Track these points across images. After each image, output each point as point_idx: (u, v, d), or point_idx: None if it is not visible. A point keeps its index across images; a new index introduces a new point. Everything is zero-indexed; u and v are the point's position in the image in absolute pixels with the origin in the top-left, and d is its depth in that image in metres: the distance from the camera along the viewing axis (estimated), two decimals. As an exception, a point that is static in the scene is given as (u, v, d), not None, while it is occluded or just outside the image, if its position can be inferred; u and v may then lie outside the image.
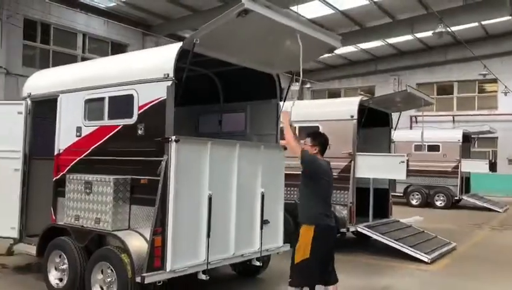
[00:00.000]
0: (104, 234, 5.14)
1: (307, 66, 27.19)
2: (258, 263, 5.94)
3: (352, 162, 8.73)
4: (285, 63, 6.09)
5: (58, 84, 6.30)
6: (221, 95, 7.14)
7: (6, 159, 6.61)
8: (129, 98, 5.33)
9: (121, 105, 5.43)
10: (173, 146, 4.84)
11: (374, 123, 10.40)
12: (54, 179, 6.06)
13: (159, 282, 4.78)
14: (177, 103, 7.58)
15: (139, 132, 5.22)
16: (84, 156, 5.79)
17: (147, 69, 5.24)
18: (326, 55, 24.66)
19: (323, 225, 4.72)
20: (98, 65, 6.41)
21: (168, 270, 4.76)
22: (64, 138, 6.05)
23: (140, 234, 5.00)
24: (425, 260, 7.98)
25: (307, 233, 4.69)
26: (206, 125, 7.28)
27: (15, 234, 6.49)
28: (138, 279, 4.64)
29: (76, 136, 5.89)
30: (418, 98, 9.18)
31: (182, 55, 5.03)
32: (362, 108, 9.44)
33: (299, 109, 9.95)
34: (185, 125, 7.39)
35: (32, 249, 6.01)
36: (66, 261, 5.44)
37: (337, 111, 9.16)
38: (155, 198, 4.83)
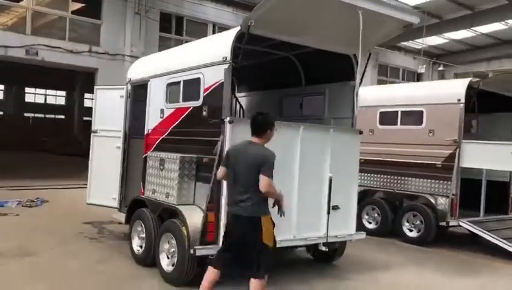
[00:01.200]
0: (171, 207, 5.53)
1: (447, 46, 25.39)
2: (324, 248, 5.84)
3: (458, 150, 7.95)
4: (364, 42, 5.76)
5: (149, 70, 6.89)
6: (302, 77, 7.08)
7: (111, 138, 7.46)
8: (197, 82, 5.62)
9: (192, 88, 5.75)
10: (228, 127, 5.01)
11: (495, 108, 9.36)
12: (143, 156, 6.67)
13: (212, 256, 5.02)
14: (260, 86, 7.83)
15: (204, 113, 5.48)
16: (166, 136, 6.27)
17: (211, 53, 5.46)
18: (468, 34, 22.45)
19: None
20: (178, 51, 6.84)
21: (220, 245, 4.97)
22: (151, 119, 6.61)
23: (202, 210, 5.28)
24: (537, 263, 6.98)
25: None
26: (289, 108, 7.31)
27: (115, 204, 7.33)
28: (191, 251, 4.94)
29: (160, 117, 6.40)
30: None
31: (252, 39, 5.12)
32: (479, 91, 8.53)
33: (402, 92, 9.49)
34: (269, 109, 7.51)
35: (123, 218, 6.72)
36: (144, 230, 6.00)
37: (443, 94, 8.38)
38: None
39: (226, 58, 5.11)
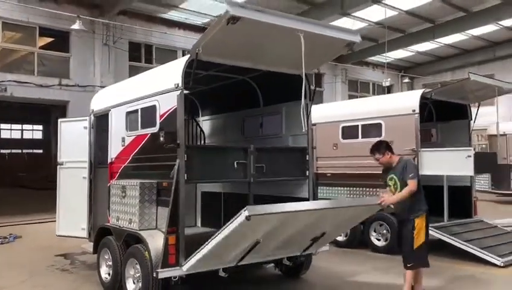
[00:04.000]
0: (134, 233, 5.65)
1: (413, 59, 26.17)
2: (288, 263, 6.01)
3: (416, 158, 8.25)
4: (308, 62, 6.04)
5: (110, 100, 7.07)
6: (260, 98, 7.33)
7: (77, 168, 7.57)
8: (153, 109, 5.82)
9: (149, 115, 5.93)
10: (182, 151, 5.20)
11: (452, 116, 9.74)
12: (108, 185, 6.79)
13: (175, 277, 5.15)
14: (223, 109, 8.06)
15: (161, 138, 5.66)
16: (128, 163, 6.42)
17: (164, 81, 5.67)
18: (432, 46, 23.16)
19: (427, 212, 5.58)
20: (135, 81, 7.04)
21: (182, 267, 5.10)
22: (114, 147, 6.76)
23: (164, 233, 5.41)
24: (497, 263, 7.25)
25: (421, 221, 5.45)
26: (250, 128, 7.52)
27: (85, 234, 7.41)
28: (154, 274, 5.06)
29: (122, 145, 6.56)
30: (488, 86, 8.32)
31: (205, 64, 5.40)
32: (435, 101, 8.90)
33: (361, 106, 9.83)
34: (232, 130, 7.76)
35: (91, 248, 6.80)
36: (111, 257, 6.09)
37: (398, 106, 8.74)
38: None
39: (178, 84, 5.32)
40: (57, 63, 16.28)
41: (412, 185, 5.40)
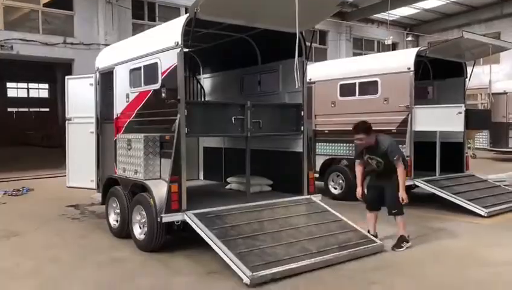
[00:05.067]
0: (139, 182, 6.09)
1: (419, 16, 25.91)
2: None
3: (410, 115, 8.55)
4: (302, 20, 6.27)
5: (114, 58, 7.38)
6: (258, 56, 7.59)
7: (84, 124, 7.96)
8: (155, 66, 6.14)
9: (151, 72, 6.25)
10: (183, 106, 5.55)
11: (448, 74, 9.96)
12: (114, 139, 7.18)
13: (177, 222, 5.62)
14: (222, 67, 8.35)
15: (163, 94, 6.00)
16: (132, 118, 6.80)
17: (165, 39, 5.95)
18: (438, 3, 22.84)
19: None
20: (137, 39, 7.31)
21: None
22: (119, 103, 7.12)
23: (167, 182, 5.84)
24: (481, 213, 7.68)
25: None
26: (248, 86, 7.84)
27: (93, 185, 7.88)
28: (159, 219, 5.53)
29: (126, 101, 6.92)
30: (483, 44, 8.50)
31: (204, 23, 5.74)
32: (432, 59, 9.13)
33: (358, 64, 10.05)
34: (232, 87, 8.07)
35: (100, 198, 7.28)
36: (118, 205, 6.56)
37: (394, 64, 8.96)
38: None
39: (178, 42, 5.60)
40: (61, 21, 16.43)
41: (401, 167, 5.89)
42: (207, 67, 8.88)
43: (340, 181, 9.67)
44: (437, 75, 10.25)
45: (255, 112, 6.25)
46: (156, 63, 6.10)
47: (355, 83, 9.51)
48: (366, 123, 6.04)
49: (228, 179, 7.63)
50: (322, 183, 9.74)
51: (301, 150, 6.76)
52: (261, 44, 7.43)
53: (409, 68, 8.59)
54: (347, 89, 9.66)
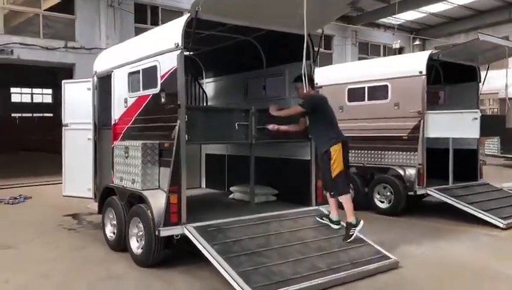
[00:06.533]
0: (137, 193, 5.72)
1: (425, 20, 25.55)
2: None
3: (422, 121, 8.17)
4: (310, 21, 5.92)
5: (112, 61, 7.03)
6: (263, 59, 7.24)
7: (82, 130, 7.62)
8: (154, 69, 5.78)
9: (150, 76, 5.89)
10: (183, 112, 5.19)
11: (460, 79, 9.57)
12: (112, 146, 6.83)
13: (177, 236, 5.25)
14: (226, 71, 8.00)
15: (162, 99, 5.64)
16: (131, 125, 6.44)
17: (164, 40, 5.60)
18: (445, 7, 22.48)
19: (345, 138, 5.90)
20: (136, 41, 6.97)
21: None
22: (117, 109, 6.76)
23: (166, 193, 5.47)
24: (499, 224, 7.27)
25: (336, 151, 5.71)
26: (253, 90, 7.48)
27: (90, 194, 7.52)
28: (157, 233, 5.15)
29: (124, 106, 6.56)
30: (498, 46, 8.11)
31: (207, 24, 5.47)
32: (443, 63, 8.76)
33: (367, 68, 9.68)
34: (236, 92, 7.72)
35: (97, 208, 6.92)
36: (115, 217, 6.20)
37: (405, 67, 8.58)
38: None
39: (178, 44, 5.25)
40: (63, 25, 16.15)
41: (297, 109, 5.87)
42: (210, 71, 8.54)
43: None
44: (448, 79, 9.87)
45: (259, 117, 5.89)
46: (155, 66, 5.75)
47: (364, 87, 9.14)
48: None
49: (231, 188, 7.26)
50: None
51: (309, 158, 6.38)
52: (267, 46, 7.08)
53: (421, 72, 8.21)
54: (356, 94, 9.29)
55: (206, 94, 8.39)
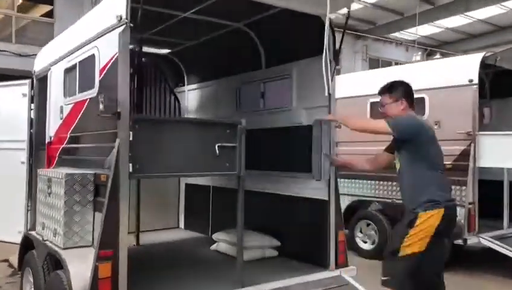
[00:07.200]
0: (55, 252, 3.65)
1: (440, 37, 23.72)
2: None
3: (473, 145, 6.14)
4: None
5: (51, 55, 5.04)
6: (262, 56, 5.23)
7: (13, 150, 5.62)
8: (92, 61, 3.78)
9: (88, 72, 3.89)
10: (124, 125, 3.16)
11: (510, 91, 7.55)
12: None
13: (110, 331, 3.16)
14: (213, 74, 6.01)
15: (101, 106, 3.60)
16: (65, 144, 4.42)
17: (104, 15, 3.60)
18: (463, 21, 20.64)
19: (451, 206, 3.52)
20: (77, 24, 4.95)
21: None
22: (52, 121, 4.75)
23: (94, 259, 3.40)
24: None
25: (429, 221, 3.37)
26: (248, 100, 5.46)
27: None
28: (75, 327, 3.07)
29: (60, 118, 4.54)
30: None
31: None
32: (488, 72, 6.77)
33: (397, 76, 7.64)
34: (224, 102, 5.74)
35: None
36: (33, 283, 4.12)
37: (449, 74, 6.56)
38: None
39: (121, 17, 3.25)
40: (39, 29, 14.33)
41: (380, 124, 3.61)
42: (192, 75, 6.54)
43: (372, 232, 7.20)
44: (495, 92, 7.83)
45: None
46: (93, 56, 3.75)
47: (392, 100, 7.09)
48: (402, 82, 3.87)
49: (215, 236, 5.17)
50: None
51: (326, 198, 4.31)
52: (266, 37, 5.08)
53: (471, 80, 6.21)
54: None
55: (179, 103, 6.35)
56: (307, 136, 4.29)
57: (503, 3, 18.85)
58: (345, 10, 4.25)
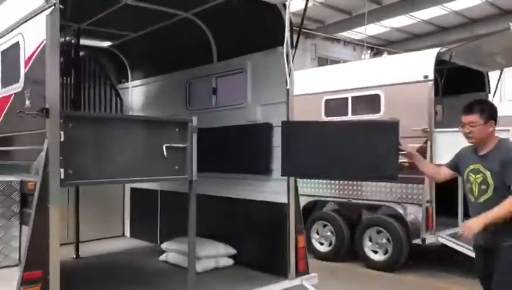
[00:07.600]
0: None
1: (387, 36, 24.18)
2: None
3: (429, 142, 6.04)
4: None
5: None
6: (213, 49, 4.85)
7: None
8: (17, 50, 3.27)
9: (12, 63, 3.38)
10: (52, 124, 2.70)
11: (463, 88, 7.55)
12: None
13: None
14: (160, 69, 5.58)
15: (27, 102, 3.11)
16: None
17: (30, -2, 3.11)
18: (408, 22, 21.11)
19: None
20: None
21: None
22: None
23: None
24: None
25: None
26: (198, 97, 5.09)
27: None
28: None
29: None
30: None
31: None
32: (445, 67, 6.71)
33: (352, 73, 7.51)
34: (173, 100, 5.32)
35: None
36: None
37: (405, 71, 6.45)
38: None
39: (49, -2, 2.79)
40: None
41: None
42: (137, 70, 6.06)
43: (328, 233, 6.98)
44: (448, 89, 7.84)
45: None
46: (18, 44, 3.24)
47: (347, 97, 6.91)
48: (487, 102, 3.64)
49: (163, 245, 4.73)
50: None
51: (285, 201, 3.99)
52: (217, 28, 4.71)
53: (426, 76, 6.11)
54: (336, 106, 7.06)
55: (121, 100, 5.84)
56: (263, 135, 3.96)
57: (444, 5, 19.44)
58: (298, 7, 3.96)
